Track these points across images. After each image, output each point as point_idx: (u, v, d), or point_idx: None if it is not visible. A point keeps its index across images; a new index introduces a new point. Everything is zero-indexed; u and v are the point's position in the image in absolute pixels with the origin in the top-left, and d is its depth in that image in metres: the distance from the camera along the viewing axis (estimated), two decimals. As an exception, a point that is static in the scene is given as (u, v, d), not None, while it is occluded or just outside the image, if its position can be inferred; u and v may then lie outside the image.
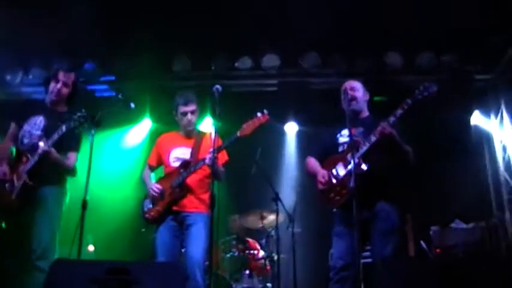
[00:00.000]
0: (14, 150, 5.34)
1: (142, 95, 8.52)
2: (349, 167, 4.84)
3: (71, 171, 5.31)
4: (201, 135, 5.85)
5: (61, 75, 5.41)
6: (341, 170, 5.01)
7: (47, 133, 5.12)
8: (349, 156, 4.79)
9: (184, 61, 8.20)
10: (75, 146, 5.32)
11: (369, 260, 5.67)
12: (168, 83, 8.39)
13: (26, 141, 5.23)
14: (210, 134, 5.47)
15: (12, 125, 5.46)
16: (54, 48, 8.16)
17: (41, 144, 5.00)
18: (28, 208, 5.08)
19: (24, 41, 7.83)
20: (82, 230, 4.74)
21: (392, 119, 4.84)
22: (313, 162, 5.37)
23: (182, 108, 5.73)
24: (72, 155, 5.29)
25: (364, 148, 4.89)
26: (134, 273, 3.65)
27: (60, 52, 8.30)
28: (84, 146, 5.28)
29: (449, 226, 7.37)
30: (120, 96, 5.70)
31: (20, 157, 5.20)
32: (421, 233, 7.35)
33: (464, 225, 7.40)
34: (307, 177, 5.69)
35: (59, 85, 5.38)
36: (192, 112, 5.73)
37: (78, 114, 4.96)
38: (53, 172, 5.18)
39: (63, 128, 4.98)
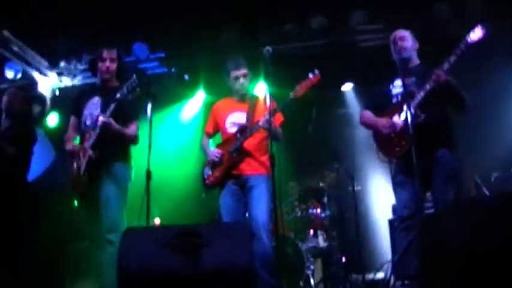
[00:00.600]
0: (78, 139, 5.47)
1: (193, 68, 8.61)
2: (403, 115, 4.84)
3: (133, 140, 5.38)
4: (255, 98, 5.91)
5: (105, 53, 5.47)
6: (397, 121, 5.01)
7: (105, 109, 5.19)
8: (404, 106, 4.79)
9: (233, 30, 8.22)
10: (134, 114, 5.39)
11: (431, 210, 5.70)
12: (217, 54, 8.43)
13: (88, 122, 5.33)
14: (264, 97, 5.52)
15: (72, 118, 5.61)
16: (103, 31, 8.30)
17: (100, 118, 5.08)
18: (96, 183, 5.18)
19: (74, 27, 7.98)
20: (149, 200, 4.91)
21: (446, 65, 4.79)
22: (368, 115, 5.37)
23: (234, 73, 5.78)
24: (132, 125, 5.35)
25: (419, 97, 4.87)
26: (204, 235, 3.75)
27: (109, 34, 8.45)
28: (144, 122, 5.33)
29: (511, 171, 7.26)
30: (173, 69, 5.78)
31: (84, 136, 5.30)
32: (483, 179, 7.27)
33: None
34: (364, 134, 5.71)
35: (107, 63, 5.45)
36: (244, 76, 5.79)
37: (130, 80, 5.04)
38: (116, 145, 5.26)
39: (118, 96, 5.06)
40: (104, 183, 5.19)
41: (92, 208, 5.23)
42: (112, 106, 5.08)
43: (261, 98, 5.86)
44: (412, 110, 4.75)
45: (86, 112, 5.40)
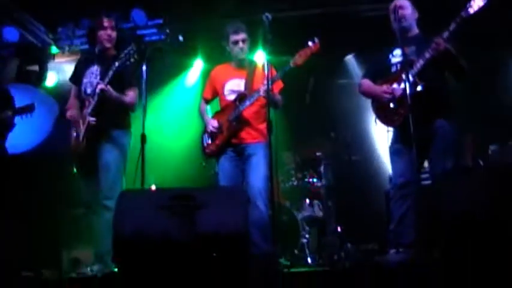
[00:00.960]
0: None
1: (191, 36, 8.56)
2: (404, 85, 4.82)
3: (132, 107, 5.47)
4: (254, 65, 5.88)
5: (106, 22, 5.53)
6: (397, 89, 4.99)
7: (103, 77, 5.27)
8: (403, 74, 4.76)
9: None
10: (133, 82, 5.44)
11: (428, 182, 5.71)
12: (215, 20, 8.36)
13: (88, 90, 5.42)
14: (263, 64, 5.49)
15: (73, 87, 5.72)
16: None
17: (99, 86, 5.15)
18: (95, 150, 5.29)
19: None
20: (143, 164, 4.92)
21: (446, 33, 4.77)
22: (367, 83, 5.36)
23: (233, 37, 5.74)
24: (130, 91, 5.42)
25: (418, 66, 4.86)
26: (199, 198, 3.74)
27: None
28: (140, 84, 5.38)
29: (508, 144, 7.25)
30: (167, 31, 5.74)
31: (84, 104, 5.38)
32: (479, 152, 7.26)
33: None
34: (364, 103, 5.69)
35: (108, 31, 5.51)
36: (243, 40, 5.75)
37: (128, 48, 5.13)
38: (115, 112, 5.35)
39: (116, 64, 5.15)
40: (103, 150, 5.29)
41: (91, 174, 5.35)
42: (110, 74, 5.17)
43: (260, 64, 5.83)
44: (411, 79, 4.76)
45: (85, 80, 5.49)
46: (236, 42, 5.74)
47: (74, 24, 8.78)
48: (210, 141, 5.75)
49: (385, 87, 5.11)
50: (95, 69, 5.50)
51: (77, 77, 5.64)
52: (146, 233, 3.69)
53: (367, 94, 5.40)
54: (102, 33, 5.51)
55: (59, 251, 7.48)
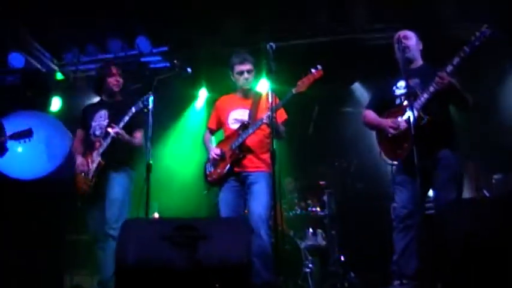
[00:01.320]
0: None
1: (195, 66, 8.58)
2: (406, 116, 4.83)
3: (140, 147, 5.77)
4: (258, 95, 5.88)
5: (114, 69, 5.91)
6: (401, 122, 4.97)
7: (112, 121, 5.65)
8: (407, 107, 4.77)
9: (235, 25, 8.18)
10: (141, 124, 5.66)
11: (431, 211, 5.68)
12: (219, 49, 8.41)
13: (97, 132, 5.74)
14: (267, 94, 5.51)
15: (78, 131, 6.06)
16: (108, 24, 8.30)
17: (110, 130, 5.52)
18: (102, 186, 5.60)
19: (78, 19, 7.97)
20: (148, 192, 4.95)
21: (449, 67, 4.76)
22: (372, 115, 5.33)
23: (238, 68, 5.76)
24: (138, 133, 5.77)
25: (422, 99, 4.84)
26: (202, 229, 3.75)
27: (113, 27, 8.46)
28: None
29: (512, 174, 7.25)
30: (175, 62, 5.81)
31: (93, 144, 5.70)
32: (483, 181, 7.25)
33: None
34: (368, 132, 5.68)
35: (117, 77, 5.91)
36: (249, 71, 5.77)
37: (145, 97, 5.40)
38: (124, 152, 5.67)
39: (133, 109, 5.47)
40: (110, 186, 5.61)
41: (97, 207, 5.63)
42: (126, 119, 5.55)
43: (264, 94, 5.84)
44: (415, 112, 4.75)
45: (94, 124, 5.82)
46: (241, 73, 5.76)
47: (79, 50, 8.83)
48: (212, 169, 5.74)
49: (390, 121, 5.08)
50: (103, 113, 5.82)
51: (84, 121, 5.93)
52: (149, 262, 3.70)
53: (371, 126, 5.38)
54: (111, 80, 5.87)
55: (61, 276, 7.46)
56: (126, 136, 5.59)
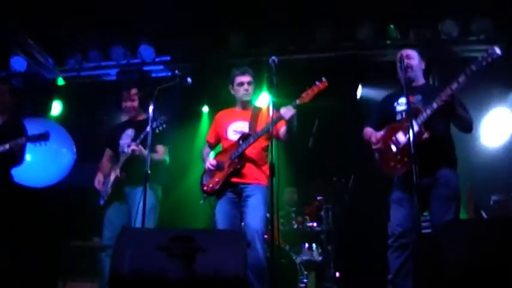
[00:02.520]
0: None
1: (198, 74, 8.59)
2: (409, 134, 4.82)
3: (162, 162, 6.02)
4: (258, 109, 5.90)
5: (126, 94, 6.20)
6: (401, 138, 4.97)
7: (135, 138, 5.91)
8: (408, 123, 4.73)
9: (239, 38, 8.20)
10: (163, 140, 5.96)
11: (428, 230, 5.66)
12: (223, 60, 8.43)
13: (125, 150, 5.90)
14: (267, 107, 5.52)
15: (106, 150, 6.33)
16: (110, 30, 8.33)
17: (131, 146, 5.77)
18: (118, 197, 5.90)
19: (81, 25, 8.00)
20: (145, 201, 4.93)
21: (455, 85, 4.73)
22: (370, 131, 5.33)
23: (239, 79, 5.79)
24: (158, 148, 5.99)
25: (425, 115, 4.83)
26: (198, 240, 3.74)
27: (116, 34, 8.49)
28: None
29: (510, 195, 7.24)
30: (176, 72, 5.84)
31: (118, 161, 5.96)
32: (481, 202, 7.25)
33: (526, 194, 7.27)
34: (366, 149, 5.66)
35: (129, 103, 6.20)
36: (249, 83, 5.79)
37: (161, 118, 5.62)
38: (139, 168, 5.53)
39: (147, 129, 5.49)
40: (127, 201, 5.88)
41: (112, 216, 5.89)
42: (141, 136, 5.75)
43: (264, 108, 5.86)
44: (417, 127, 4.76)
45: (122, 142, 6.07)
46: (242, 84, 5.79)
47: (81, 56, 8.85)
48: (209, 179, 5.73)
49: (375, 135, 5.13)
50: (130, 131, 6.09)
51: (111, 141, 6.19)
52: (144, 271, 3.69)
53: (369, 142, 5.32)
54: (126, 105, 6.21)
55: (55, 283, 7.42)
56: (143, 151, 5.65)
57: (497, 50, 4.61)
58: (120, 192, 5.89)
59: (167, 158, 6.07)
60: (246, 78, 5.79)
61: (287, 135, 5.27)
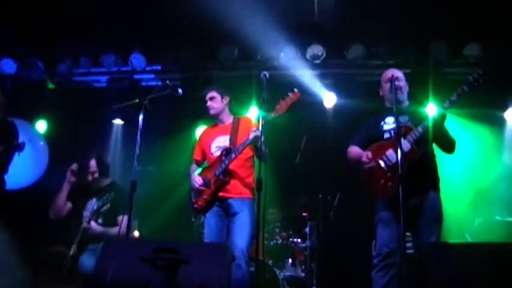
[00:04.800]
0: None
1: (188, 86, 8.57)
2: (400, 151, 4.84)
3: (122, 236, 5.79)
4: (237, 120, 5.94)
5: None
6: (392, 155, 4.94)
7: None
8: (403, 141, 4.77)
9: (230, 51, 8.21)
10: (121, 210, 5.66)
11: (410, 251, 5.66)
12: (213, 72, 8.43)
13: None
14: (244, 117, 5.58)
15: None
16: (102, 39, 8.32)
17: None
18: None
19: (73, 31, 7.98)
20: (131, 211, 4.91)
21: (447, 103, 4.85)
22: (356, 150, 5.31)
23: (204, 98, 5.97)
24: (119, 219, 5.68)
25: (417, 133, 4.89)
26: (183, 252, 3.73)
27: (107, 43, 8.48)
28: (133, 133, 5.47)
29: (494, 218, 7.29)
30: (167, 82, 5.83)
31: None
32: (466, 225, 7.30)
33: (510, 219, 7.32)
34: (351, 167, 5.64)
35: (89, 177, 6.12)
36: (211, 98, 5.91)
37: (106, 195, 5.78)
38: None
39: (99, 203, 5.80)
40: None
41: None
42: (94, 210, 5.83)
43: (243, 117, 5.99)
44: (409, 146, 4.84)
45: (85, 214, 5.93)
46: (206, 101, 5.93)
47: (72, 62, 8.81)
48: (198, 197, 5.73)
49: (366, 153, 5.08)
50: (94, 202, 5.94)
51: (77, 208, 6.07)
52: (128, 283, 3.67)
53: (353, 161, 5.31)
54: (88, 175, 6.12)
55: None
56: (99, 230, 5.81)
57: (486, 75, 4.74)
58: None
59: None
60: (207, 95, 5.94)
61: (260, 157, 5.14)
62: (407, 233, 5.26)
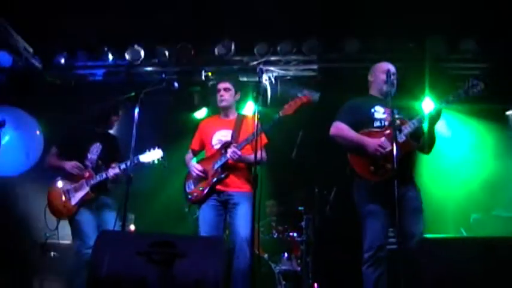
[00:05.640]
0: None
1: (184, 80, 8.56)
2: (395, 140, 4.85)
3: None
4: (242, 117, 5.93)
5: (121, 111, 6.37)
6: (387, 144, 4.92)
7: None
8: (397, 132, 4.82)
9: (227, 46, 8.18)
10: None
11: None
12: (210, 67, 8.42)
13: (90, 164, 6.11)
14: (252, 116, 5.54)
15: (55, 150, 6.29)
16: (101, 33, 8.30)
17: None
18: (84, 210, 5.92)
19: (71, 23, 7.96)
20: (126, 205, 4.92)
21: (443, 103, 4.90)
22: (351, 131, 5.17)
23: (217, 86, 5.90)
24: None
25: (412, 126, 4.96)
26: (179, 246, 3.73)
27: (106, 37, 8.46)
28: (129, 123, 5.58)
29: (490, 213, 7.30)
30: (163, 75, 5.82)
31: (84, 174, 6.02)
32: (462, 220, 7.31)
33: (506, 214, 7.32)
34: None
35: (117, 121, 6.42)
36: (225, 89, 5.83)
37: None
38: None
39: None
40: (94, 213, 5.96)
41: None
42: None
43: (249, 116, 5.89)
44: (404, 138, 4.92)
45: (90, 156, 6.15)
46: (218, 90, 5.86)
47: (69, 55, 8.78)
48: (193, 188, 5.73)
49: (376, 140, 4.99)
50: (98, 145, 6.18)
51: (79, 149, 6.16)
52: (123, 276, 3.66)
53: (347, 141, 5.16)
54: (115, 119, 6.35)
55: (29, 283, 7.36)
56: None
57: (480, 86, 4.80)
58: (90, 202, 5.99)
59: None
60: (222, 85, 5.87)
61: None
62: (390, 229, 5.28)
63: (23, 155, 8.35)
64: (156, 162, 5.78)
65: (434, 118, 4.90)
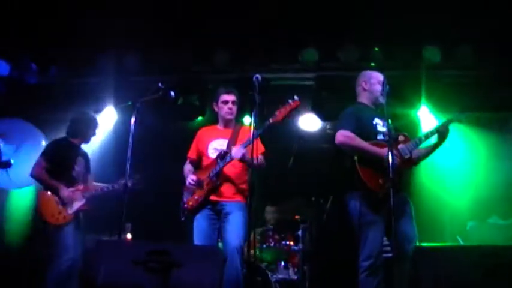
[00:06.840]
0: None
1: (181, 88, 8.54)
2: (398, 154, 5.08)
3: None
4: (239, 126, 5.94)
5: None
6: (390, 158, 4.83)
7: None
8: (401, 146, 5.10)
9: (223, 55, 8.19)
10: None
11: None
12: (207, 76, 8.42)
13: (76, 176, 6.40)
14: (249, 125, 5.53)
15: (45, 163, 6.36)
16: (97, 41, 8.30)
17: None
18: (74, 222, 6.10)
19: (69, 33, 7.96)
20: (123, 214, 4.91)
21: (448, 122, 5.16)
22: (359, 139, 5.10)
23: (224, 97, 5.82)
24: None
25: (415, 144, 5.13)
26: (175, 255, 3.73)
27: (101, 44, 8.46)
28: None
29: (486, 221, 7.30)
30: (160, 85, 5.79)
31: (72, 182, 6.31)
32: (458, 228, 7.31)
33: (503, 222, 7.33)
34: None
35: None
36: (233, 102, 5.82)
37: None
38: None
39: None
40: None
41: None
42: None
43: (245, 125, 5.91)
44: (408, 153, 5.10)
45: (77, 169, 6.45)
46: (226, 102, 5.82)
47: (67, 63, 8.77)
48: (189, 197, 5.73)
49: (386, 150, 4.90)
50: (81, 159, 6.52)
51: (67, 162, 6.37)
52: (119, 285, 3.66)
53: (360, 150, 5.10)
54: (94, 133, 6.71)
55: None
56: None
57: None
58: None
59: None
60: (231, 97, 5.82)
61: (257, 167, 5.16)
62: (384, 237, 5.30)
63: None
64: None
65: (445, 136, 5.13)
